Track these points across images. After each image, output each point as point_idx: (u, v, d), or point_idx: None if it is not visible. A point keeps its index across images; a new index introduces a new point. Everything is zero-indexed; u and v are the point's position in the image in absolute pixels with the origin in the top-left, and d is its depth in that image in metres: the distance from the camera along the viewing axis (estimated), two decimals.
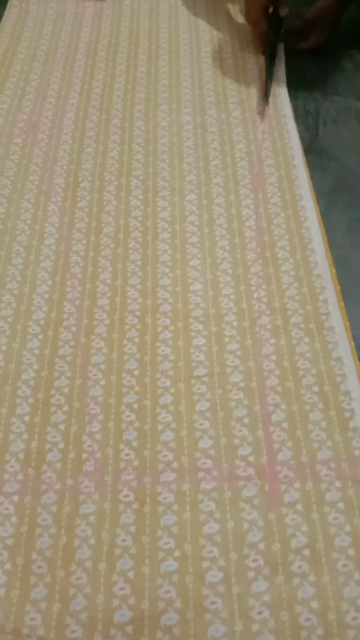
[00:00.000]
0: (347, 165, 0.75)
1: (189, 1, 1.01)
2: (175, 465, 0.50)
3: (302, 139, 0.78)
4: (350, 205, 0.71)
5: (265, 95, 0.82)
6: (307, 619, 0.42)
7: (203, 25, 0.97)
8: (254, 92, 0.84)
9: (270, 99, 0.82)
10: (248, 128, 0.79)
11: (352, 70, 0.88)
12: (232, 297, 0.62)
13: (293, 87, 0.85)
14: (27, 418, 0.54)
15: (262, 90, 0.83)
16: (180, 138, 0.79)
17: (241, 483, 0.49)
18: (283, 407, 0.53)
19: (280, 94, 0.83)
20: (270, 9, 0.86)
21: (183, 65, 0.90)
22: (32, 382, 0.57)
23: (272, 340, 0.57)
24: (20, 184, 0.75)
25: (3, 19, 1.02)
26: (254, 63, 0.89)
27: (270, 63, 0.86)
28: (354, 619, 0.42)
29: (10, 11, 1.03)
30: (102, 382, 0.56)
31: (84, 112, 0.84)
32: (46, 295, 0.64)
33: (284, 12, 0.86)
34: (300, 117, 0.81)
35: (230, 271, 0.64)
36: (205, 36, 0.95)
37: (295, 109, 0.82)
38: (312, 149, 0.77)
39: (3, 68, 0.93)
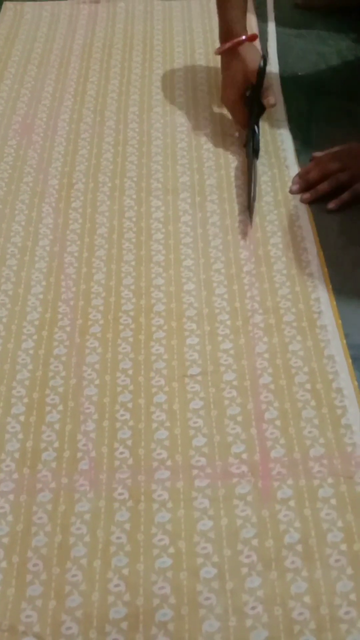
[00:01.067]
0: None
1: (184, 2, 1.02)
2: (169, 463, 0.51)
3: (295, 139, 0.79)
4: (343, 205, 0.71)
5: (248, 208, 0.68)
6: (300, 614, 0.43)
7: (197, 28, 0.97)
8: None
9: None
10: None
11: (344, 71, 0.88)
12: (225, 296, 0.62)
13: (286, 88, 0.86)
14: (22, 418, 0.55)
15: (244, 203, 0.69)
16: (174, 139, 0.80)
17: (235, 480, 0.49)
18: (276, 404, 0.54)
19: (274, 94, 0.84)
20: (249, 92, 0.73)
21: (177, 68, 0.91)
22: (27, 382, 0.57)
23: (265, 339, 0.58)
24: (15, 186, 0.76)
25: None
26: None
27: (253, 165, 0.71)
28: (347, 613, 0.43)
29: (5, 14, 1.04)
30: (97, 382, 0.56)
31: (78, 114, 0.85)
32: (41, 296, 0.64)
33: (270, 102, 0.74)
34: (293, 117, 0.82)
35: (223, 270, 0.64)
36: (199, 38, 0.95)
37: (288, 109, 0.83)
38: (305, 149, 0.77)
39: None
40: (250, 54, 0.74)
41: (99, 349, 0.59)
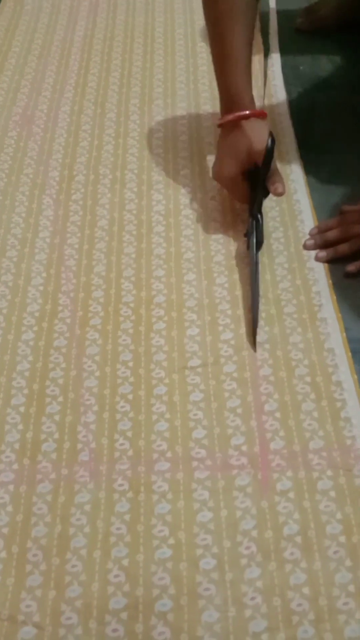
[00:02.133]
0: (341, 159, 0.76)
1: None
2: (169, 454, 0.51)
3: (297, 133, 0.78)
4: (345, 199, 0.71)
5: (252, 326, 0.57)
6: (299, 605, 0.43)
7: (199, 20, 0.97)
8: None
9: (267, 89, 0.81)
10: None
11: (346, 66, 0.88)
12: (226, 285, 0.62)
13: (288, 83, 0.85)
14: (22, 409, 0.55)
15: (249, 317, 0.58)
16: (175, 132, 0.80)
17: (234, 472, 0.49)
18: (276, 396, 0.54)
19: (276, 89, 0.84)
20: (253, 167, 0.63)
21: (178, 60, 0.90)
22: (27, 374, 0.57)
23: (266, 328, 0.58)
24: (15, 177, 0.76)
25: None
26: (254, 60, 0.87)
27: (256, 261, 0.61)
28: (345, 604, 0.43)
29: (5, 5, 1.03)
30: (97, 374, 0.56)
31: (79, 105, 0.85)
32: (41, 288, 0.64)
33: (278, 191, 0.62)
34: (295, 111, 0.81)
35: (224, 262, 0.64)
36: (201, 31, 0.95)
37: (290, 104, 0.82)
38: (307, 143, 0.77)
39: None
40: (257, 131, 0.63)
41: (99, 341, 0.59)
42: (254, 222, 0.63)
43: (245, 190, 0.65)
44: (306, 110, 0.82)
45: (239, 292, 0.61)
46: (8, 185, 0.75)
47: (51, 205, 0.72)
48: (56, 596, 0.44)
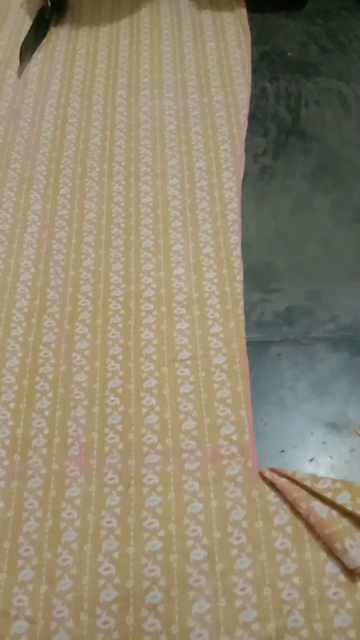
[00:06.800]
0: (329, 147, 0.75)
1: None
2: (159, 447, 0.51)
3: (284, 120, 0.78)
4: (333, 186, 0.71)
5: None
6: (289, 594, 0.43)
7: (185, 9, 0.96)
8: (236, 76, 0.84)
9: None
10: (230, 112, 0.79)
11: (334, 51, 0.87)
12: (215, 280, 0.62)
13: (274, 69, 0.85)
14: (12, 405, 0.55)
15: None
16: (162, 123, 0.79)
17: (224, 462, 0.49)
18: None
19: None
20: None
21: (165, 50, 0.90)
22: (16, 370, 0.57)
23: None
24: (2, 172, 0.75)
25: None
26: (237, 46, 0.88)
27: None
28: (335, 593, 0.43)
29: None
30: (87, 368, 0.56)
31: (65, 98, 0.84)
32: (29, 283, 0.64)
33: None
34: (282, 98, 0.81)
35: (213, 255, 0.64)
36: (186, 20, 0.94)
37: (276, 91, 0.82)
38: (294, 131, 0.77)
39: None
40: None
41: (89, 336, 0.59)
42: None
43: None
44: (294, 96, 0.81)
45: (227, 288, 0.61)
46: None
47: (39, 200, 0.72)
48: (48, 590, 0.45)
